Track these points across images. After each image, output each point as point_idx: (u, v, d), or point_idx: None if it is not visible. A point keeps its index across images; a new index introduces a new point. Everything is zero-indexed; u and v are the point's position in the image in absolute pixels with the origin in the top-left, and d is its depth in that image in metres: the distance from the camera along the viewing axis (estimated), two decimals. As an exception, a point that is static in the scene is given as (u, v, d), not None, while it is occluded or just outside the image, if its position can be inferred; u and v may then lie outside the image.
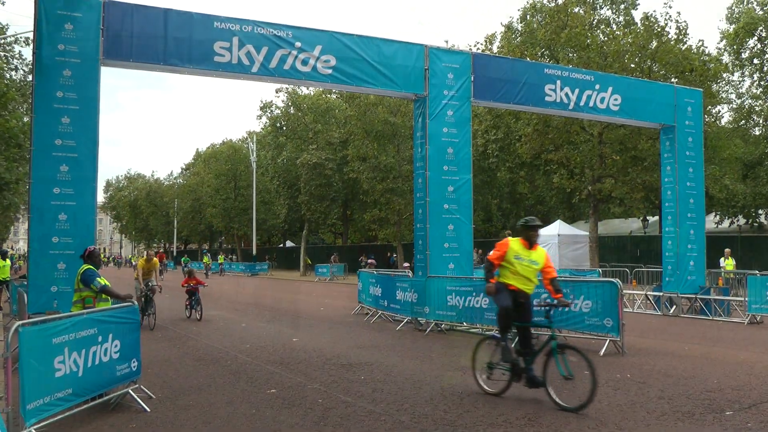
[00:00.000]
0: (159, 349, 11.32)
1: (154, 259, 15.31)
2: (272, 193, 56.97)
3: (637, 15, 36.63)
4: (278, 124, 51.47)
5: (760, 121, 37.78)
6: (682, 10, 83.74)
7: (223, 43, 11.85)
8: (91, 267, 7.73)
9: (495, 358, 7.35)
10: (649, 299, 18.20)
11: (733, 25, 35.96)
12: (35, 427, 5.60)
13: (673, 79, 26.81)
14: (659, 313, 17.04)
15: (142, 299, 14.15)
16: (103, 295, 7.65)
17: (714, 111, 32.18)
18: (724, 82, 38.02)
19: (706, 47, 31.43)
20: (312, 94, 47.73)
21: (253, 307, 20.17)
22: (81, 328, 6.38)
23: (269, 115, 50.97)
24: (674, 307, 16.89)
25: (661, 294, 17.45)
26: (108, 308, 7.33)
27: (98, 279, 7.56)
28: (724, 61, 34.94)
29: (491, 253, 7.41)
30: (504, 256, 7.28)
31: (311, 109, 45.45)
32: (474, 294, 12.58)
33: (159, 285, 14.89)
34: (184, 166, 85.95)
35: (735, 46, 35.85)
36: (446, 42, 44.04)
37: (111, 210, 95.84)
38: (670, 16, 29.45)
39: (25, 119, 24.25)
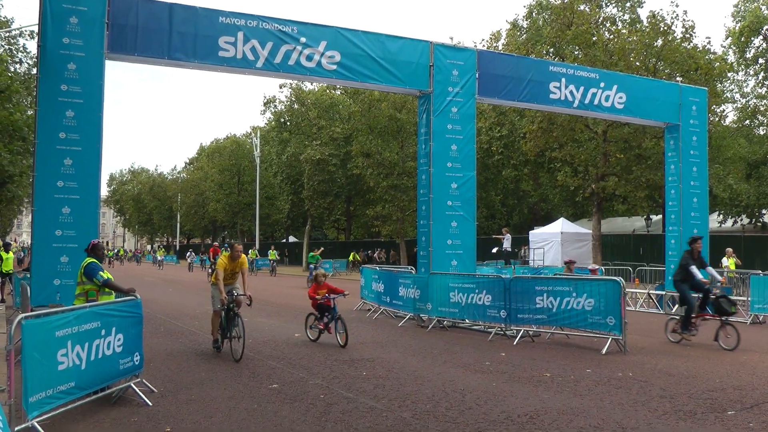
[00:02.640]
0: (161, 343, 11.35)
1: (243, 255, 10.72)
2: (276, 188, 57.00)
3: (643, 13, 36.54)
4: (282, 120, 51.46)
5: (765, 121, 37.64)
6: (688, 7, 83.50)
7: (228, 38, 11.86)
8: (95, 260, 7.73)
9: None
10: (651, 298, 18.18)
11: (739, 24, 35.82)
12: (37, 420, 5.59)
13: (678, 78, 26.74)
14: (661, 311, 17.01)
15: (222, 314, 10.06)
16: (107, 289, 7.66)
17: (718, 110, 32.04)
18: (728, 82, 37.89)
19: (711, 46, 31.32)
20: (316, 89, 47.68)
21: (255, 302, 20.11)
22: (84, 321, 6.40)
23: (273, 110, 50.95)
24: (677, 306, 16.85)
25: (663, 293, 17.43)
26: (111, 302, 7.36)
27: (101, 273, 7.55)
28: (729, 60, 34.79)
29: None
30: None
31: (315, 105, 45.42)
32: (476, 291, 12.57)
33: (248, 294, 10.22)
34: (187, 161, 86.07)
35: (740, 45, 35.70)
36: (451, 39, 43.92)
37: (114, 204, 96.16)
38: (677, 14, 29.39)
39: (29, 112, 24.30)
